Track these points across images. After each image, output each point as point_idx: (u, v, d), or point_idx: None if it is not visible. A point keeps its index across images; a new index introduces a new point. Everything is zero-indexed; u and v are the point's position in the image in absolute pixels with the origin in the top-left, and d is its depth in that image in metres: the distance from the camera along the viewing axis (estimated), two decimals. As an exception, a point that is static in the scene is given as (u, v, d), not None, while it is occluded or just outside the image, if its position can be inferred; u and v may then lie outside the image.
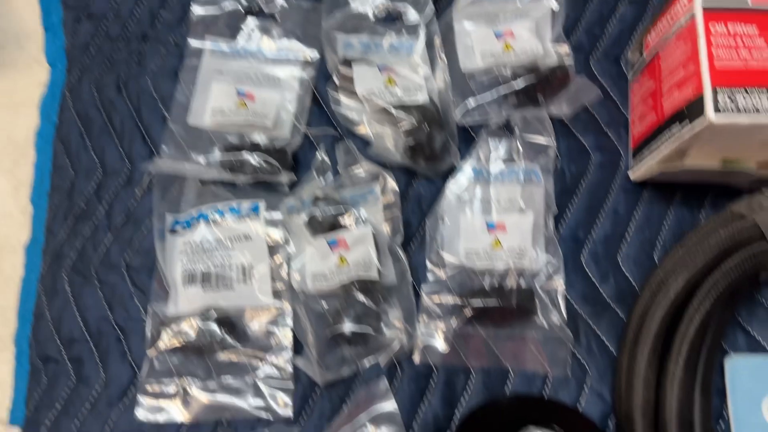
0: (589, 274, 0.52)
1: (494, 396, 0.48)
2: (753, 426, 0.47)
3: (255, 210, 0.53)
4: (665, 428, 0.44)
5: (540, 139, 0.54)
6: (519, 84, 0.55)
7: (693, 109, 0.45)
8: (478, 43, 0.57)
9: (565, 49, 0.57)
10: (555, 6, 0.58)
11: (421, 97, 0.54)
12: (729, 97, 0.43)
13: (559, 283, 0.50)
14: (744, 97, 0.43)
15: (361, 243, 0.51)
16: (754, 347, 0.49)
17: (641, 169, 0.52)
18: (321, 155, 0.55)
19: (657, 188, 0.54)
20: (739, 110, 0.43)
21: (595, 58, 0.58)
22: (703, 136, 0.45)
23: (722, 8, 0.46)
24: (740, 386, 0.48)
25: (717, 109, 0.43)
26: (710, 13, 0.46)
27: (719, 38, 0.45)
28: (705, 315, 0.46)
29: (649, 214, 0.53)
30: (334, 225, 0.51)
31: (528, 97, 0.55)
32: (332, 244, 0.51)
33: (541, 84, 0.55)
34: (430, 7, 0.59)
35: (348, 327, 0.48)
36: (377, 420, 0.47)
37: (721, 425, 0.48)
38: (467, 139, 0.56)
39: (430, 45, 0.58)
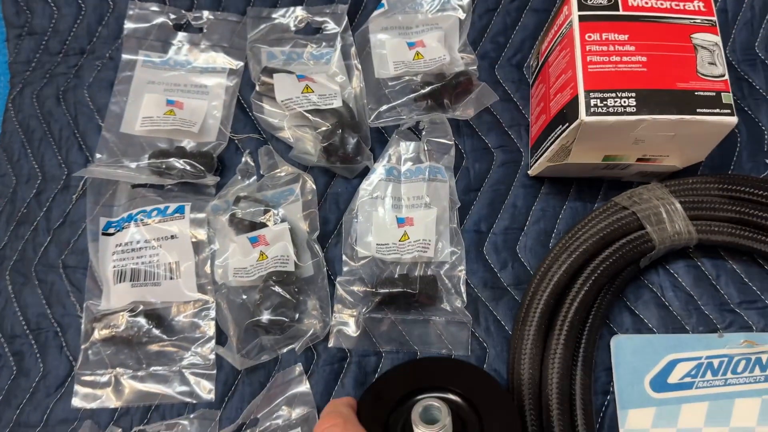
0: (490, 262, 0.56)
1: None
2: (636, 399, 0.52)
3: (181, 211, 0.57)
4: (547, 401, 0.49)
5: (444, 140, 0.58)
6: (427, 90, 0.59)
7: (570, 110, 0.49)
8: (391, 53, 0.62)
9: (470, 57, 0.61)
10: (462, 15, 0.63)
11: (336, 103, 0.58)
12: (600, 99, 0.48)
13: (461, 271, 0.55)
14: (614, 100, 0.48)
15: (280, 239, 0.55)
16: (639, 327, 0.54)
17: (536, 166, 0.57)
18: (245, 158, 0.59)
19: (554, 183, 0.59)
20: (608, 111, 0.48)
21: (500, 64, 0.63)
22: (579, 135, 0.49)
23: (597, 17, 0.51)
24: (624, 363, 0.53)
25: (588, 111, 0.48)
26: (586, 24, 0.51)
27: (593, 45, 0.50)
28: (585, 297, 0.51)
29: (546, 208, 0.58)
30: (254, 224, 0.56)
31: (435, 101, 0.60)
32: (253, 241, 0.55)
33: (447, 89, 0.59)
34: (346, 20, 0.63)
35: (266, 317, 0.52)
36: (292, 401, 0.52)
37: (608, 399, 0.52)
38: (381, 140, 0.60)
39: (347, 55, 0.62)
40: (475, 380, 0.46)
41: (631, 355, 0.53)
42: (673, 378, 0.52)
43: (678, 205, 0.53)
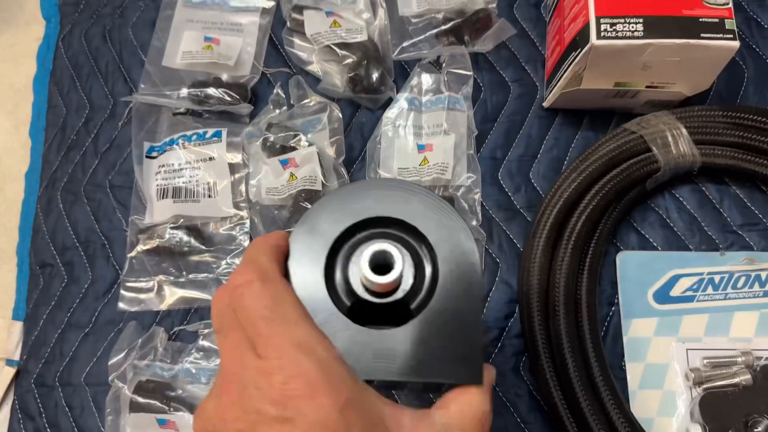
0: (504, 187, 0.60)
1: None
2: (640, 309, 0.55)
3: (218, 135, 0.61)
4: (554, 304, 0.52)
5: (463, 72, 0.62)
6: (448, 26, 0.63)
7: (582, 37, 0.53)
8: (415, -8, 0.65)
9: (490, -5, 0.65)
10: (483, -43, 0.66)
11: (362, 37, 0.62)
12: (610, 25, 0.51)
13: (477, 194, 0.59)
14: (623, 25, 0.51)
15: (308, 161, 0.59)
16: (645, 246, 0.58)
17: (550, 97, 0.61)
18: (277, 90, 0.63)
19: (567, 114, 0.62)
20: (617, 36, 0.51)
21: (518, 4, 0.66)
22: (591, 60, 0.53)
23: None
24: (629, 277, 0.56)
25: (599, 35, 0.51)
26: (598, -45, 0.54)
27: (604, -24, 0.53)
28: (592, 212, 0.54)
29: (559, 137, 0.61)
30: (285, 147, 0.60)
31: (456, 37, 0.63)
32: (284, 163, 0.60)
33: (467, 25, 0.63)
34: (373, -39, 0.67)
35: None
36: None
37: (613, 309, 0.56)
38: (404, 74, 0.64)
39: (372, -7, 0.66)
40: (429, 210, 0.35)
41: (636, 269, 0.56)
42: (676, 291, 0.55)
43: (683, 130, 0.56)
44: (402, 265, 0.32)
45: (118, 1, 0.70)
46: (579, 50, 0.53)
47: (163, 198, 0.60)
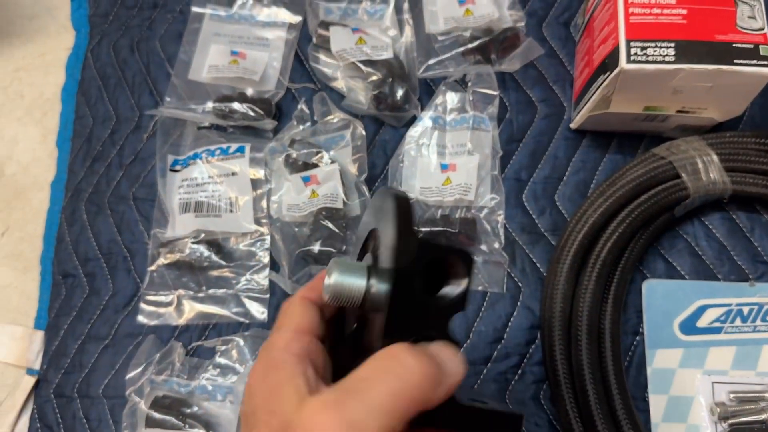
0: (528, 209, 0.59)
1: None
2: (665, 339, 0.54)
3: (241, 151, 0.61)
4: (577, 332, 0.51)
5: (488, 91, 0.61)
6: (475, 44, 0.62)
7: (612, 60, 0.52)
8: (442, 10, 0.65)
9: (518, 14, 0.64)
10: (512, -24, 0.65)
11: (387, 55, 0.62)
12: (640, 48, 0.50)
13: (500, 216, 0.58)
14: (654, 49, 0.50)
15: (330, 179, 0.59)
16: (672, 274, 0.56)
17: (578, 118, 0.60)
18: (301, 106, 0.63)
19: (595, 137, 0.61)
20: (648, 60, 0.50)
21: (547, 22, 0.65)
22: (620, 83, 0.52)
23: (641, -27, 0.53)
24: (655, 306, 0.55)
25: (629, 59, 0.50)
26: (630, -22, 0.53)
27: (636, -2, 0.52)
28: (618, 238, 0.53)
29: (586, 159, 0.60)
30: (307, 164, 0.60)
31: (482, 55, 0.62)
32: (306, 180, 0.59)
33: (494, 44, 0.62)
34: (400, -22, 0.66)
35: (316, 247, 0.56)
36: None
37: (638, 338, 0.54)
38: (429, 92, 0.63)
39: (399, 11, 0.66)
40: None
41: (662, 298, 0.55)
42: (702, 322, 0.54)
43: (714, 157, 0.54)
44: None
45: (147, 13, 0.70)
46: (608, 73, 0.52)
47: (185, 212, 0.60)
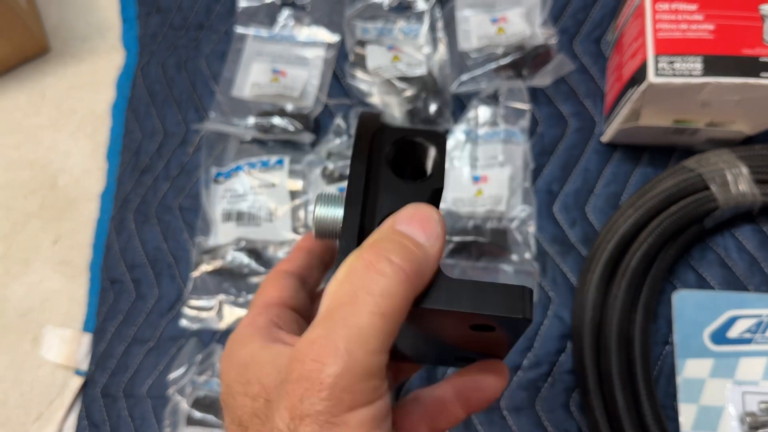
0: (559, 221, 0.60)
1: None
2: (695, 349, 0.54)
3: (280, 163, 0.64)
4: (606, 341, 0.52)
5: (520, 106, 0.63)
6: (507, 60, 0.64)
7: (640, 74, 0.53)
8: (475, 28, 0.67)
9: (549, 31, 0.66)
10: (544, -5, 0.67)
11: (421, 71, 0.64)
12: (668, 63, 0.52)
13: (531, 227, 0.59)
14: (681, 63, 0.52)
15: (366, 190, 0.61)
16: (702, 285, 0.57)
17: (608, 131, 0.61)
18: (338, 120, 0.65)
19: (626, 150, 0.62)
20: (675, 74, 0.51)
21: (579, 39, 0.67)
22: (648, 97, 0.53)
23: (668, -10, 0.54)
24: (685, 316, 0.56)
25: (657, 73, 0.51)
26: (658, -5, 0.54)
27: (663, 15, 0.53)
28: (648, 248, 0.54)
29: (617, 172, 0.61)
30: (343, 176, 0.62)
31: (514, 71, 0.64)
32: (342, 191, 0.61)
33: (526, 60, 0.64)
34: (435, -1, 0.69)
35: (351, 256, 0.58)
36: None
37: (667, 348, 0.55)
38: (461, 107, 0.65)
39: (433, 29, 0.68)
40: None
41: (693, 308, 0.56)
42: (733, 333, 0.54)
43: (744, 169, 0.55)
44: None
45: (193, 33, 0.74)
46: (637, 87, 0.53)
47: (227, 221, 0.62)
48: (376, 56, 0.66)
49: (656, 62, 0.52)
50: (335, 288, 0.26)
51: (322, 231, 0.31)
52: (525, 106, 0.63)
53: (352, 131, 0.65)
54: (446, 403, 0.34)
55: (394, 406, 0.32)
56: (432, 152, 0.32)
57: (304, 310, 0.34)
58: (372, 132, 0.31)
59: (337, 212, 0.31)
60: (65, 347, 0.64)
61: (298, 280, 0.35)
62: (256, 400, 0.27)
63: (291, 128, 0.65)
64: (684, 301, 0.56)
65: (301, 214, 0.63)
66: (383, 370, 0.26)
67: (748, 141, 0.58)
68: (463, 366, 0.36)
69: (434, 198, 0.31)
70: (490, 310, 0.27)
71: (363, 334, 0.25)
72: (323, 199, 0.31)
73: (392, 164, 0.31)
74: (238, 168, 0.64)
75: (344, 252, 0.28)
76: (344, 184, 0.61)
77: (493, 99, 0.64)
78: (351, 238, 0.29)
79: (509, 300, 0.27)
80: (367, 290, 0.25)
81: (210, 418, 0.54)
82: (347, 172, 0.59)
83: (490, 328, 0.29)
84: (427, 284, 0.27)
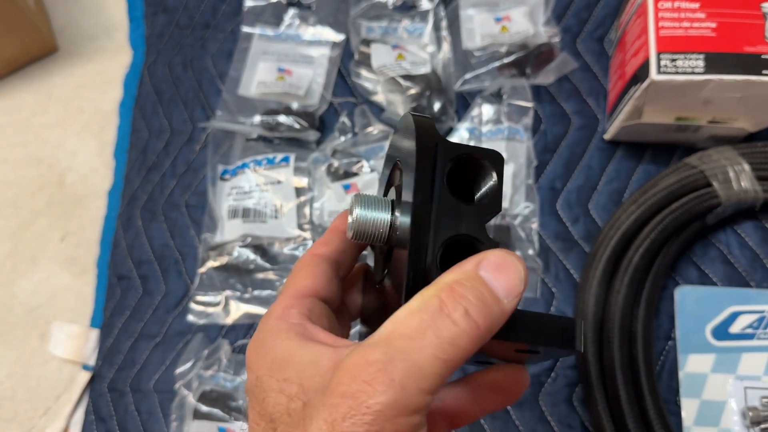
0: (562, 217, 0.61)
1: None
2: (697, 345, 0.55)
3: (286, 160, 0.65)
4: (609, 336, 0.53)
5: (523, 104, 0.63)
6: (510, 59, 0.64)
7: (643, 72, 0.53)
8: (479, 27, 0.68)
9: (553, 30, 0.66)
10: (547, -6, 0.68)
11: (425, 70, 0.65)
12: (670, 60, 0.52)
13: (534, 223, 0.60)
14: (683, 61, 0.52)
15: (369, 187, 0.62)
16: (704, 281, 0.57)
17: (611, 129, 0.61)
18: (343, 118, 0.66)
19: (629, 147, 0.63)
20: (677, 71, 0.52)
21: (582, 38, 0.67)
22: (650, 94, 0.54)
23: (670, -12, 0.55)
24: (687, 311, 0.56)
25: (659, 70, 0.52)
26: (660, -7, 0.55)
27: (666, 13, 0.54)
28: (650, 244, 0.54)
29: (620, 169, 0.62)
30: (348, 173, 0.63)
31: (518, 69, 0.65)
32: (346, 188, 0.62)
33: (529, 59, 0.64)
34: (439, -3, 0.70)
35: (356, 252, 0.59)
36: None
37: (670, 343, 0.55)
38: (465, 105, 0.66)
39: (437, 28, 0.69)
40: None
41: (695, 304, 0.56)
42: (735, 328, 0.55)
43: (746, 166, 0.55)
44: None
45: (200, 33, 0.75)
46: (639, 84, 0.54)
47: (233, 218, 0.63)
48: (380, 55, 0.66)
49: (658, 60, 0.52)
50: (404, 316, 0.26)
51: (361, 234, 0.30)
52: (528, 104, 0.63)
53: (357, 129, 0.65)
54: (464, 402, 0.34)
55: None
56: (490, 173, 0.30)
57: (334, 299, 0.34)
58: (434, 143, 0.29)
59: (378, 217, 0.30)
60: (73, 343, 0.65)
61: (331, 265, 0.34)
62: (293, 401, 0.27)
63: (296, 126, 0.65)
64: (686, 297, 0.56)
65: (307, 210, 0.63)
66: (428, 407, 0.25)
67: (750, 138, 0.59)
68: (481, 368, 0.36)
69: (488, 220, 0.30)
70: (549, 342, 0.27)
71: (421, 373, 0.24)
72: (363, 201, 0.30)
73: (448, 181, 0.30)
74: (244, 165, 0.65)
75: (412, 277, 0.27)
76: (349, 181, 0.62)
77: (496, 97, 0.65)
78: (419, 262, 0.28)
79: (566, 333, 0.28)
80: (436, 333, 0.25)
81: (216, 412, 0.55)
82: (352, 169, 0.60)
83: (535, 352, 0.29)
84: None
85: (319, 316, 0.31)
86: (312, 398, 0.26)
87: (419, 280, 0.27)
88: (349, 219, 0.30)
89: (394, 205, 0.31)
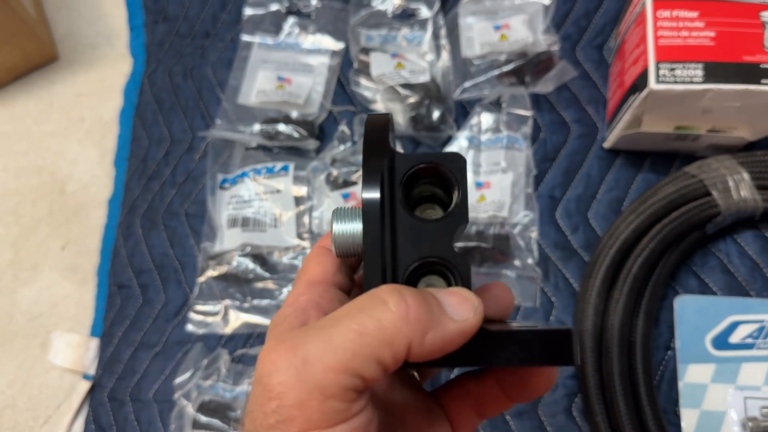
0: (561, 226, 0.61)
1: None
2: (697, 354, 0.55)
3: (285, 169, 0.65)
4: (608, 346, 0.53)
5: (522, 112, 0.63)
6: (509, 67, 0.64)
7: (642, 81, 0.53)
8: (478, 35, 0.68)
9: (552, 38, 0.66)
10: (547, 2, 0.68)
11: (424, 78, 0.65)
12: (669, 70, 0.52)
13: (533, 232, 0.60)
14: (682, 70, 0.52)
15: (370, 196, 0.61)
16: (704, 290, 0.57)
17: (611, 137, 0.61)
18: (342, 127, 0.66)
19: (628, 156, 0.62)
20: (676, 80, 0.52)
21: (581, 46, 0.67)
22: (649, 103, 0.53)
23: (669, -3, 0.55)
24: (687, 321, 0.56)
25: (658, 80, 0.52)
26: (658, 2, 0.55)
27: (664, 22, 0.54)
28: (650, 254, 0.54)
29: (619, 178, 0.62)
30: (347, 182, 0.63)
31: (517, 78, 0.65)
32: (345, 197, 0.62)
33: (529, 67, 0.64)
34: (438, 6, 0.69)
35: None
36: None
37: (669, 353, 0.55)
38: (464, 113, 0.66)
39: (437, 36, 0.69)
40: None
41: (694, 313, 0.56)
42: (735, 338, 0.54)
43: (745, 175, 0.55)
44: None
45: (200, 42, 0.75)
46: (638, 93, 0.54)
47: (232, 227, 0.63)
48: (380, 63, 0.66)
49: (657, 69, 0.52)
50: (341, 307, 0.25)
51: (343, 250, 0.28)
52: (527, 112, 0.63)
53: (357, 138, 0.66)
54: (493, 394, 0.32)
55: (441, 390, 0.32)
56: (452, 181, 0.28)
57: (348, 287, 0.32)
58: (383, 157, 0.28)
59: (356, 228, 0.28)
60: (73, 352, 0.65)
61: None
62: None
63: (296, 135, 0.65)
64: (686, 307, 0.56)
65: (306, 219, 0.63)
66: (349, 393, 0.23)
67: (750, 147, 0.58)
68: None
69: (457, 233, 0.28)
70: (541, 361, 0.26)
71: (330, 346, 0.23)
72: (339, 214, 0.29)
73: (405, 197, 0.28)
74: (243, 174, 0.65)
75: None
76: (348, 190, 0.62)
77: (495, 106, 0.65)
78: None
79: (557, 347, 0.26)
80: (359, 306, 0.24)
81: (215, 422, 0.55)
82: (351, 178, 0.60)
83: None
84: (435, 347, 0.25)
85: (331, 300, 0.30)
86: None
87: None
88: (331, 237, 0.29)
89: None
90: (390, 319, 0.23)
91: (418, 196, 0.30)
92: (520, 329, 0.26)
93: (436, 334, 0.24)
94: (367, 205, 0.27)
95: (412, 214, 0.28)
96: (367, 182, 0.27)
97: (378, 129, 0.29)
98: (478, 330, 0.26)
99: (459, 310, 0.25)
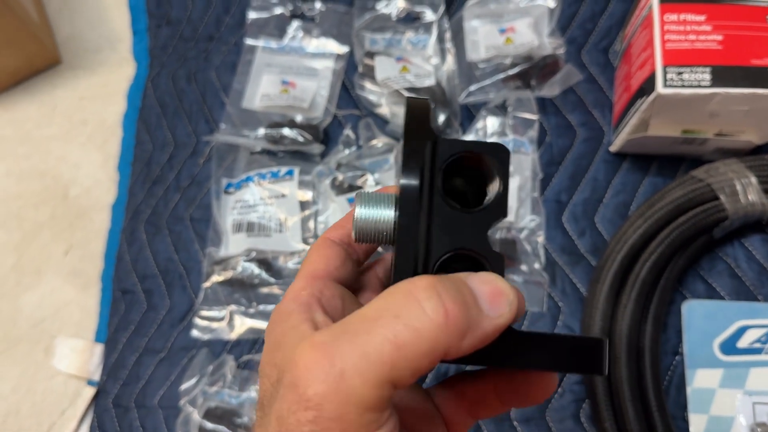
0: (568, 230, 0.60)
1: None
2: (705, 359, 0.54)
3: (290, 174, 0.64)
4: (616, 351, 0.52)
5: (528, 116, 0.63)
6: (515, 70, 0.64)
7: (648, 85, 0.53)
8: (483, 38, 0.67)
9: (557, 41, 0.66)
10: (552, 4, 0.67)
11: (429, 82, 0.65)
12: (676, 74, 0.52)
13: (540, 237, 0.60)
14: (690, 74, 0.52)
15: (375, 200, 0.61)
16: (712, 295, 0.57)
17: (617, 141, 0.61)
18: (347, 131, 0.66)
19: (635, 160, 0.62)
20: (684, 84, 0.51)
21: (587, 49, 0.67)
22: (656, 107, 0.53)
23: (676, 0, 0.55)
24: (695, 326, 0.56)
25: (665, 84, 0.52)
26: (665, 5, 0.55)
27: (671, 26, 0.54)
28: (657, 259, 0.54)
29: (626, 182, 0.61)
30: (353, 186, 0.62)
31: (522, 81, 0.65)
32: (351, 202, 0.62)
33: (534, 70, 0.64)
34: (443, 9, 0.69)
35: (360, 267, 0.59)
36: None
37: (677, 358, 0.55)
38: (470, 117, 0.66)
39: (441, 40, 0.68)
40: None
41: (702, 318, 0.55)
42: (743, 343, 0.54)
43: (753, 179, 0.55)
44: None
45: (203, 45, 0.75)
46: (645, 97, 0.54)
47: (237, 231, 0.63)
48: (384, 67, 0.66)
49: (665, 73, 0.52)
50: (372, 302, 0.24)
51: (364, 235, 0.28)
52: (533, 116, 0.63)
53: (362, 142, 0.65)
54: (487, 397, 0.31)
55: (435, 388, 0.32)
56: (493, 172, 0.27)
57: (351, 281, 0.32)
58: (424, 141, 0.27)
59: (381, 214, 0.27)
60: (77, 357, 0.65)
61: (344, 249, 0.32)
62: (273, 387, 0.25)
63: (300, 139, 0.65)
64: (694, 311, 0.56)
65: (311, 224, 0.63)
66: (384, 402, 0.23)
67: (757, 150, 0.58)
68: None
69: (492, 227, 0.27)
70: (570, 368, 0.26)
71: (366, 360, 0.22)
72: (364, 199, 0.28)
73: (444, 185, 0.27)
74: (248, 179, 0.65)
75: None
76: (354, 194, 0.62)
77: (501, 109, 0.65)
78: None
79: (588, 356, 0.25)
80: (395, 312, 0.23)
81: (222, 429, 0.54)
82: (357, 183, 0.60)
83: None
84: (470, 348, 0.24)
85: (331, 297, 0.29)
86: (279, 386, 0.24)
87: None
88: (353, 219, 0.28)
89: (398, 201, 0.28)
90: (429, 328, 0.22)
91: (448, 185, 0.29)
92: (551, 333, 0.26)
93: (474, 336, 0.23)
94: (405, 191, 0.26)
95: (451, 203, 0.27)
96: (407, 167, 0.26)
97: (419, 112, 0.28)
98: (506, 329, 0.24)
99: (494, 305, 0.24)
